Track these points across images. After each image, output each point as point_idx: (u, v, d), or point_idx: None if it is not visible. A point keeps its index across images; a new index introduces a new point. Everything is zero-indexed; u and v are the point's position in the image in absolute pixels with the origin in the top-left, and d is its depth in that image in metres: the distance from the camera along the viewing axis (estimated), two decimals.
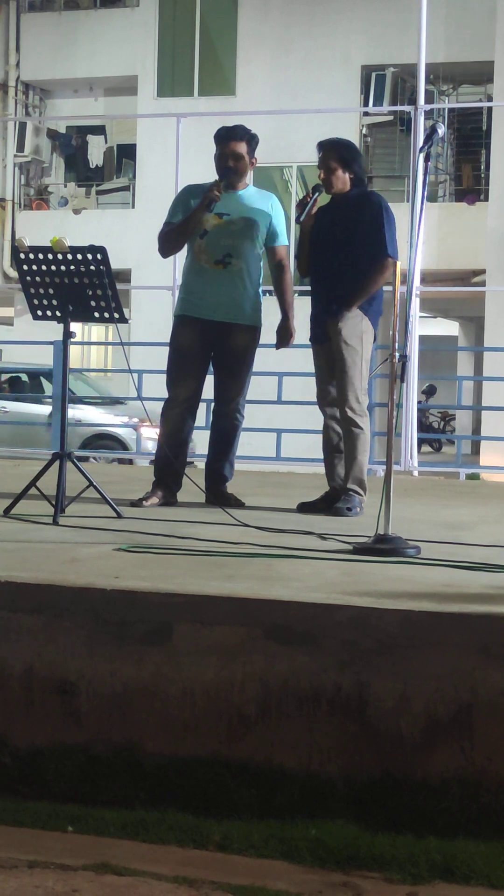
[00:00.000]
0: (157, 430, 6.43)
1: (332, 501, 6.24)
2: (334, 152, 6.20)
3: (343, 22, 22.06)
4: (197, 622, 3.63)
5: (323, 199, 6.28)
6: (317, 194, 6.20)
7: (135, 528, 5.25)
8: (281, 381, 10.64)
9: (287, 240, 6.53)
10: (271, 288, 6.53)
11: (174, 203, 6.40)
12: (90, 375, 17.57)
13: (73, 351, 11.01)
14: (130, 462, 13.14)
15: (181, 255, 6.61)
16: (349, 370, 6.10)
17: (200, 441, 6.69)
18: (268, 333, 6.43)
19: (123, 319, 5.74)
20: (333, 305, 6.15)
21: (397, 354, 4.93)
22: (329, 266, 6.18)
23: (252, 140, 6.31)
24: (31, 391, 16.64)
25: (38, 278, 5.68)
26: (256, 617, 3.60)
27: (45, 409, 14.43)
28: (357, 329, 6.12)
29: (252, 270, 6.32)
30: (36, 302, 5.76)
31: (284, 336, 6.43)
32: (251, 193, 6.43)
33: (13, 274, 21.47)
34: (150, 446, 14.91)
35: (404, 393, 9.25)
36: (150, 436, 15.27)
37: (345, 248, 6.13)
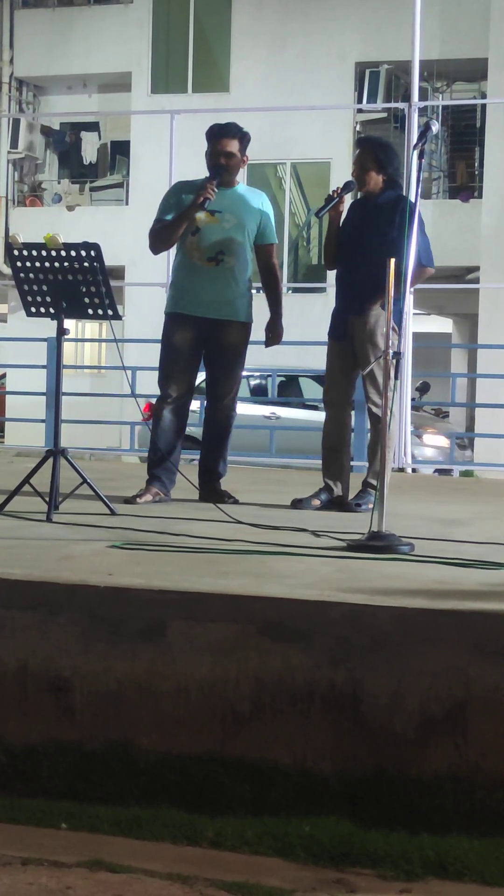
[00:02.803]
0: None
1: (327, 497, 6.29)
2: (372, 152, 6.27)
3: (337, 19, 22.04)
4: (191, 619, 3.63)
5: (353, 195, 6.33)
6: (344, 192, 6.22)
7: (128, 525, 5.25)
8: (274, 378, 10.63)
9: (276, 238, 6.55)
10: (261, 285, 6.54)
11: (165, 200, 6.39)
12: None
13: (67, 348, 10.96)
14: (414, 471, 11.12)
15: (174, 252, 6.61)
16: (375, 370, 6.13)
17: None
18: (259, 330, 6.43)
19: (117, 316, 5.74)
20: (356, 302, 6.18)
21: (391, 351, 4.94)
22: (356, 264, 6.21)
23: (244, 138, 6.31)
24: (291, 394, 15.68)
25: (31, 275, 5.68)
26: (250, 614, 3.60)
27: (314, 415, 13.42)
28: (381, 327, 6.14)
29: (243, 267, 6.33)
30: (30, 299, 5.76)
31: (273, 334, 6.44)
32: (243, 191, 6.44)
33: (7, 271, 21.44)
34: (430, 453, 14.21)
35: (398, 390, 9.24)
36: (434, 443, 14.41)
37: (374, 247, 6.14)
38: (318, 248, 21.49)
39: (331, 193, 6.24)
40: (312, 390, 15.17)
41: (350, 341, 6.26)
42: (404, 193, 6.47)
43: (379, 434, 6.20)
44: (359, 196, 6.44)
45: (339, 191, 6.23)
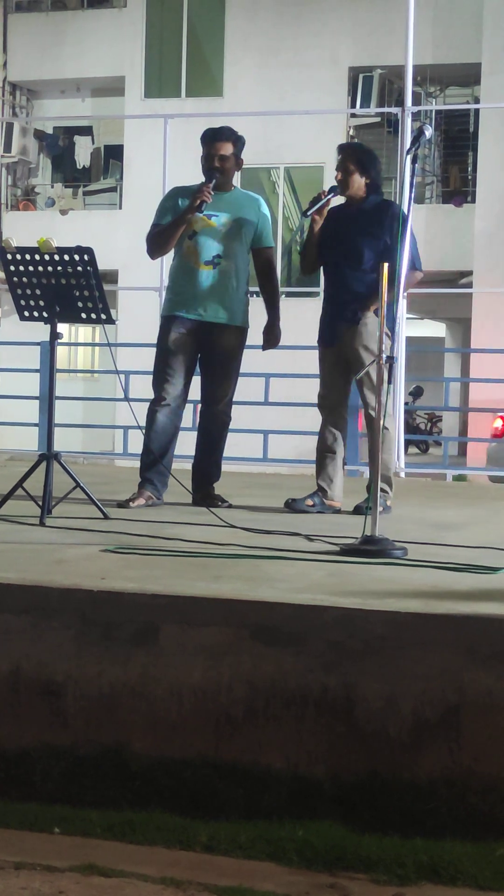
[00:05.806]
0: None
1: (321, 500, 6.28)
2: (354, 156, 6.26)
3: (331, 23, 22.06)
4: (183, 623, 3.63)
5: (336, 200, 6.32)
6: (331, 195, 6.22)
7: (121, 528, 5.25)
8: (268, 382, 10.64)
9: (273, 242, 6.54)
10: (258, 289, 6.53)
11: (161, 205, 6.40)
12: None
13: (60, 352, 10.80)
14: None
15: (168, 256, 6.61)
16: (372, 374, 6.13)
17: (187, 442, 6.69)
18: (255, 334, 6.43)
19: (110, 320, 5.74)
20: (349, 311, 6.17)
21: (384, 356, 4.95)
22: (345, 270, 6.20)
23: (238, 141, 6.32)
24: None
25: (24, 279, 5.68)
26: (243, 618, 3.60)
27: None
28: (375, 333, 6.13)
29: (240, 271, 6.33)
30: (23, 303, 5.76)
31: (271, 338, 6.44)
32: (239, 195, 6.44)
33: (0, 275, 21.46)
34: None
35: (391, 394, 9.25)
36: None
37: (367, 252, 6.14)
38: None
39: (318, 195, 6.23)
40: None
41: (342, 347, 6.24)
42: (396, 198, 6.48)
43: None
44: (341, 201, 6.38)
45: (325, 193, 6.22)
